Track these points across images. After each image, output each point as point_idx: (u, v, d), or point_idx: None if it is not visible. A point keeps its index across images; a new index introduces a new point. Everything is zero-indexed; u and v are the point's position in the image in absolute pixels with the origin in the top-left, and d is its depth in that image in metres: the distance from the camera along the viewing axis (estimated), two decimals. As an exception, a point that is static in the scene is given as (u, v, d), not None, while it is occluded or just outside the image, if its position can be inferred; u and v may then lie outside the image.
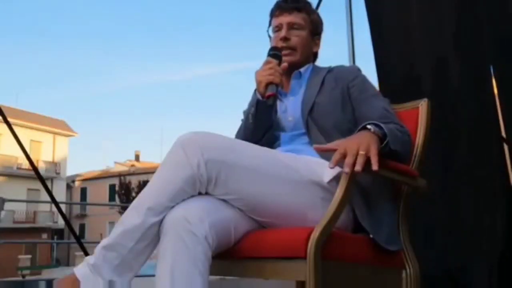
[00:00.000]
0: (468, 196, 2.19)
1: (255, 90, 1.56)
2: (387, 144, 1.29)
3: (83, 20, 50.14)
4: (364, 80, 1.59)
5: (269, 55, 1.56)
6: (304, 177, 1.33)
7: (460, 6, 2.37)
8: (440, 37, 2.40)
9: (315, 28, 1.68)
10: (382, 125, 1.31)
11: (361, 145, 1.21)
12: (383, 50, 2.64)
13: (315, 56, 1.73)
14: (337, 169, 1.34)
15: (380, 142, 1.28)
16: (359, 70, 1.64)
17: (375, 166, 1.19)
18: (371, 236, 1.33)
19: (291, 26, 1.62)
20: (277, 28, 1.65)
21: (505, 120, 2.23)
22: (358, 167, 1.17)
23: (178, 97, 59.43)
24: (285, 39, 1.61)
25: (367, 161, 1.19)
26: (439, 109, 1.76)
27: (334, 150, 1.21)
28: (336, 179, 1.31)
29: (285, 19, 1.63)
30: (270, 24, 1.70)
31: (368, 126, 1.32)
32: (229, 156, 1.25)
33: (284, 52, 1.59)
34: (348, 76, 1.58)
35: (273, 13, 1.67)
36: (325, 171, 1.36)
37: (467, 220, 2.17)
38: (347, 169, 1.18)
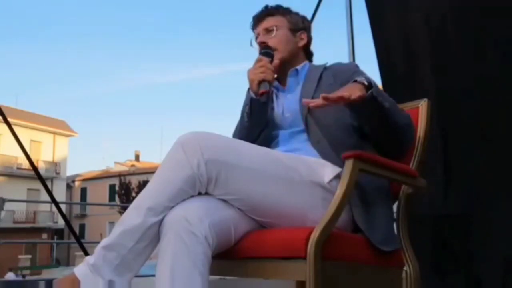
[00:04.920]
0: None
1: (248, 89, 1.58)
2: (373, 94, 1.32)
3: (84, 20, 50.20)
4: (362, 74, 1.59)
5: (261, 53, 1.60)
6: (304, 177, 1.33)
7: (460, 3, 2.37)
8: (441, 36, 2.40)
9: (294, 25, 1.70)
10: (371, 79, 1.35)
11: (344, 90, 1.27)
12: (385, 49, 2.65)
13: (307, 52, 1.73)
14: (337, 169, 1.35)
15: (366, 91, 1.32)
16: (356, 66, 1.65)
17: (355, 95, 1.25)
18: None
19: (266, 30, 1.67)
20: (257, 38, 1.70)
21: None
22: (334, 96, 1.24)
23: (178, 97, 59.47)
24: (262, 43, 1.65)
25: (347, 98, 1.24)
26: (441, 109, 1.77)
27: (323, 106, 1.26)
28: (336, 179, 1.31)
29: (260, 27, 1.69)
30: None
31: (357, 79, 1.35)
32: (229, 156, 1.25)
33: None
34: (346, 72, 1.58)
35: (252, 27, 1.73)
36: (325, 171, 1.36)
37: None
38: (330, 98, 1.24)
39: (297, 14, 1.74)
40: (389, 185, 1.46)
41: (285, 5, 1.73)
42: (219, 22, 56.68)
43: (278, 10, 1.70)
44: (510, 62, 2.25)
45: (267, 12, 1.69)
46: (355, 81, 1.35)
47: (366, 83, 1.33)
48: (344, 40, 3.43)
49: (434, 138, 1.68)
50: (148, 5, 55.21)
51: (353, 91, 1.27)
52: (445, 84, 2.36)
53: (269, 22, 1.67)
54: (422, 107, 1.59)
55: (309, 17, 1.85)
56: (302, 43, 1.70)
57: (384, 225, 1.37)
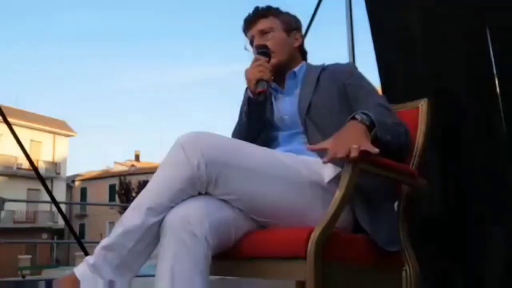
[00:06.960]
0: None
1: (246, 89, 1.58)
2: (376, 132, 1.30)
3: (84, 21, 50.17)
4: (361, 77, 1.59)
5: (258, 53, 1.59)
6: (304, 177, 1.33)
7: (460, 4, 2.37)
8: (441, 36, 2.40)
9: (288, 26, 1.69)
10: (370, 113, 1.32)
11: (351, 140, 1.21)
12: (384, 50, 2.64)
13: (302, 52, 1.73)
14: (337, 169, 1.34)
15: (369, 131, 1.29)
16: (355, 67, 1.65)
17: (374, 151, 1.18)
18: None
19: (262, 33, 1.66)
20: (251, 41, 1.69)
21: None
22: (354, 154, 1.16)
23: (178, 97, 59.47)
24: (260, 45, 1.63)
25: (363, 152, 1.18)
26: (440, 109, 1.76)
27: (327, 149, 1.21)
28: (336, 179, 1.31)
29: (254, 30, 1.67)
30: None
31: (356, 116, 1.32)
32: (229, 156, 1.25)
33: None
34: (344, 73, 1.58)
35: (244, 30, 1.71)
36: (325, 171, 1.36)
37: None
38: (340, 155, 1.16)
39: (288, 14, 1.73)
40: (391, 185, 1.46)
41: (285, 5, 1.73)
42: (219, 22, 56.72)
43: (270, 11, 1.68)
44: (509, 62, 2.25)
45: (260, 14, 1.68)
46: (355, 118, 1.31)
47: (367, 122, 1.29)
48: (344, 40, 3.43)
49: (434, 138, 1.67)
50: (149, 5, 55.26)
51: (343, 146, 1.19)
52: (444, 84, 2.36)
53: (263, 24, 1.66)
54: (422, 107, 1.59)
55: (309, 17, 1.85)
56: (297, 43, 1.70)
57: (389, 226, 1.37)
